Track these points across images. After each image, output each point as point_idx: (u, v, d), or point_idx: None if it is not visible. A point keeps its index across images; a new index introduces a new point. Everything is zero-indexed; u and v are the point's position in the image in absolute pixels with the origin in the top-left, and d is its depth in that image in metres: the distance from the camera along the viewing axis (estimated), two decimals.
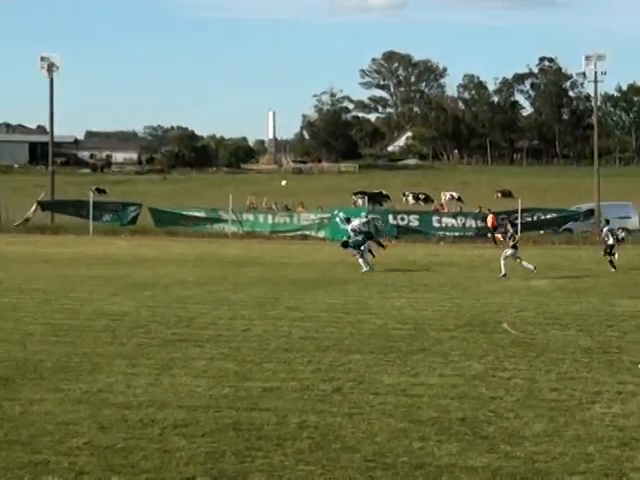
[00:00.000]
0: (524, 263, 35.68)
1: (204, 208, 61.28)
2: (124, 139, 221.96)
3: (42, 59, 64.37)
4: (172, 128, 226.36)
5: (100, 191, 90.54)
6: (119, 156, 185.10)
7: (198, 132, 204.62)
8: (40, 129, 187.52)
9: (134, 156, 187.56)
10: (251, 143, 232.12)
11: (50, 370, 18.13)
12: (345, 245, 38.37)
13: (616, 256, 37.76)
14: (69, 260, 39.16)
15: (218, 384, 17.25)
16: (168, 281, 33.24)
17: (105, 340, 21.50)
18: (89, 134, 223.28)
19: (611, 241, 38.00)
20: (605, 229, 38.87)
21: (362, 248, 37.43)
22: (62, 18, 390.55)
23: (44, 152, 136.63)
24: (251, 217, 60.04)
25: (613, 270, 37.06)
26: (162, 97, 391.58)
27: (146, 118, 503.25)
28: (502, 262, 35.15)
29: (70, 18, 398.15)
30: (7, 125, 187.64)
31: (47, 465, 12.42)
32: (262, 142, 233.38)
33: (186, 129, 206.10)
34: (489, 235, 54.72)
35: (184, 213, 59.71)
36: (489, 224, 55.67)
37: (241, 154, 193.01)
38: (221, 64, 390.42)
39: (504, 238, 37.44)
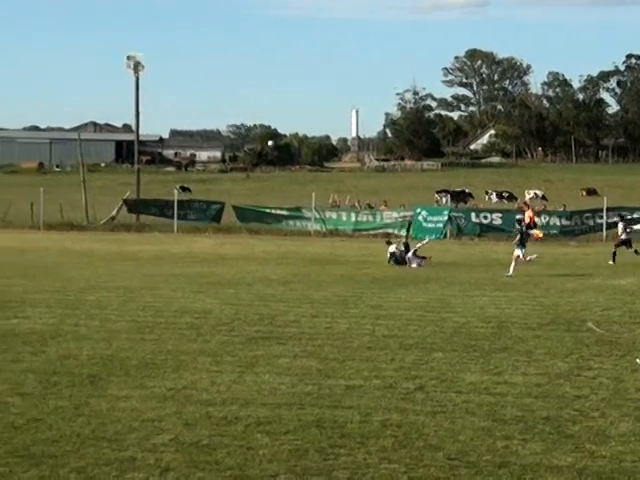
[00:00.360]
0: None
1: (287, 206, 61.49)
2: (208, 138, 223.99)
3: (128, 58, 64.96)
4: (255, 126, 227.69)
5: (185, 189, 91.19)
6: (203, 155, 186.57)
7: (281, 130, 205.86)
8: (126, 128, 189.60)
9: (218, 154, 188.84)
10: (334, 141, 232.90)
11: (135, 367, 18.34)
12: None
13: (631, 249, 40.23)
14: (154, 258, 39.57)
15: (301, 382, 17.30)
16: (251, 279, 33.43)
17: (189, 337, 21.70)
18: (174, 133, 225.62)
19: (624, 236, 40.91)
20: (620, 225, 41.95)
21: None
22: (148, 17, 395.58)
23: (130, 150, 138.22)
24: (334, 215, 60.07)
25: (611, 262, 39.10)
26: (246, 96, 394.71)
27: (230, 117, 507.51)
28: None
29: (156, 17, 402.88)
30: (94, 124, 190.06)
31: (133, 462, 12.55)
32: (345, 140, 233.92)
33: (269, 127, 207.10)
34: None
35: (267, 211, 59.95)
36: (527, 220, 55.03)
37: (324, 152, 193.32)
38: (304, 63, 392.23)
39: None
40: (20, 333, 21.67)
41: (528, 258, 35.76)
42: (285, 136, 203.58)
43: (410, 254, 38.56)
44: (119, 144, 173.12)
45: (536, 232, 44.68)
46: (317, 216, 58.25)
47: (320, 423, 14.55)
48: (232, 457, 12.84)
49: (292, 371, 18.22)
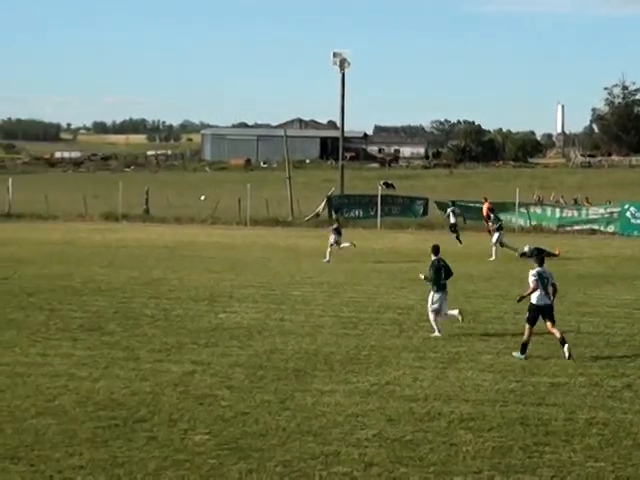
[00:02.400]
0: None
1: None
2: (412, 134, 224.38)
3: (334, 55, 65.47)
4: (459, 122, 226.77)
5: (388, 185, 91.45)
6: (406, 151, 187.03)
7: (485, 126, 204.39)
8: (331, 124, 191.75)
9: (421, 150, 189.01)
10: (538, 137, 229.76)
11: (339, 362, 18.59)
12: None
13: None
14: (356, 254, 39.86)
15: (504, 378, 17.20)
16: (453, 276, 33.23)
17: (392, 333, 21.85)
18: (378, 129, 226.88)
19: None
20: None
21: None
22: (354, 15, 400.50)
23: (334, 147, 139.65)
24: (538, 210, 59.27)
25: None
26: (449, 92, 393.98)
27: (433, 113, 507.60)
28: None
29: (361, 15, 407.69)
30: (300, 121, 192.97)
31: (337, 456, 12.74)
32: (549, 136, 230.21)
33: (473, 123, 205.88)
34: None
35: (470, 206, 59.49)
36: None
37: (528, 148, 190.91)
38: (508, 58, 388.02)
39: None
40: (228, 328, 22.31)
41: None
42: (489, 132, 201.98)
43: None
44: (324, 141, 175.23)
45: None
46: (522, 211, 57.52)
47: (524, 420, 14.46)
48: (435, 453, 12.90)
49: (495, 368, 18.13)
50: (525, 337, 19.04)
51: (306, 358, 18.96)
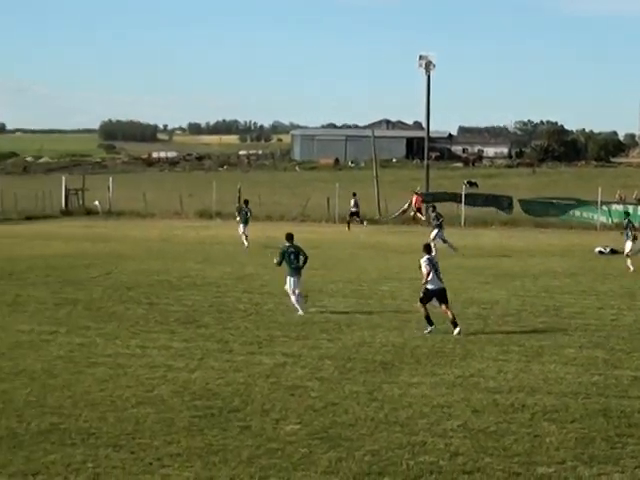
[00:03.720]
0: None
1: (573, 198, 60.52)
2: (495, 134, 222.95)
3: (420, 57, 65.89)
4: (542, 123, 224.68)
5: (472, 184, 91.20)
6: (490, 150, 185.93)
7: (567, 127, 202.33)
8: (416, 125, 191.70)
9: (504, 150, 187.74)
10: (621, 137, 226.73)
11: (425, 355, 18.99)
12: None
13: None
14: (441, 250, 40.08)
15: (587, 372, 17.43)
16: (536, 271, 33.45)
17: (477, 327, 22.18)
18: (462, 129, 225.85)
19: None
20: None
21: None
22: (440, 19, 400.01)
23: (420, 147, 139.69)
24: (620, 208, 58.64)
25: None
26: (532, 93, 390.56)
27: (516, 113, 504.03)
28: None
29: (447, 18, 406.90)
30: (387, 121, 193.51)
31: (424, 446, 13.11)
32: (632, 136, 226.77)
33: (555, 124, 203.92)
34: (412, 214, 58.28)
35: (554, 203, 59.23)
36: (413, 204, 58.75)
37: (610, 148, 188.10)
38: (591, 58, 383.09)
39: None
40: (318, 321, 22.83)
41: None
42: (572, 132, 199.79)
43: None
44: (410, 141, 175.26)
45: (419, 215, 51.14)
46: (603, 209, 57.05)
47: (606, 412, 14.70)
48: (519, 444, 13.21)
49: (578, 361, 18.36)
50: (423, 312, 21.39)
51: (393, 351, 19.40)
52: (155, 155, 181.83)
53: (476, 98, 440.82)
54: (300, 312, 23.57)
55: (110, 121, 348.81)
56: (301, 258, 24.05)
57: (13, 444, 12.99)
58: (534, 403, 15.29)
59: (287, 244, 23.98)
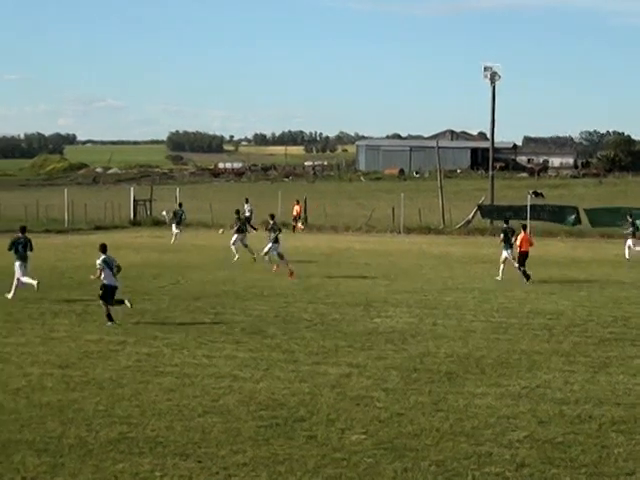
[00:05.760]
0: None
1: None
2: (560, 144, 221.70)
3: (485, 69, 66.12)
4: (608, 133, 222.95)
5: (537, 194, 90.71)
6: (555, 161, 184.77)
7: (635, 137, 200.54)
8: (481, 135, 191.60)
9: (570, 161, 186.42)
10: None
11: (490, 366, 18.93)
12: None
13: None
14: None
15: None
16: (603, 282, 33.18)
17: (542, 338, 22.06)
18: (527, 140, 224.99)
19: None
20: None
21: None
22: (503, 30, 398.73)
23: (484, 157, 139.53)
24: None
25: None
26: (598, 103, 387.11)
27: (582, 124, 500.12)
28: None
29: (511, 29, 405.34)
30: (451, 132, 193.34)
31: (490, 456, 13.08)
32: None
33: (622, 134, 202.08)
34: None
35: (621, 211, 58.60)
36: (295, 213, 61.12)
37: None
38: None
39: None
40: (383, 332, 22.86)
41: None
42: (639, 142, 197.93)
43: None
44: (474, 151, 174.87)
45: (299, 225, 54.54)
46: None
47: None
48: (587, 455, 13.12)
49: None
50: (105, 309, 23.69)
51: (458, 361, 19.37)
52: (221, 166, 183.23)
53: (541, 108, 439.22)
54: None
55: (178, 132, 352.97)
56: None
57: (82, 453, 13.17)
58: (601, 414, 15.19)
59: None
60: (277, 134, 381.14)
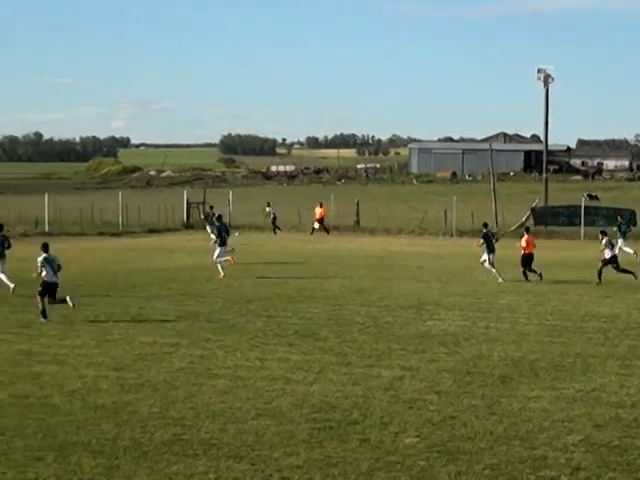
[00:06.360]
0: None
1: None
2: (615, 147, 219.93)
3: (538, 71, 65.88)
4: None
5: (592, 197, 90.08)
6: (610, 163, 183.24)
7: None
8: (534, 138, 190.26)
9: (625, 163, 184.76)
10: None
11: (545, 369, 18.81)
12: None
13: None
14: (558, 264, 39.80)
15: None
16: (635, 285, 32.86)
17: (597, 341, 21.89)
18: (581, 142, 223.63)
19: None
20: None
21: None
22: (557, 32, 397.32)
23: (538, 160, 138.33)
24: None
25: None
26: None
27: (637, 126, 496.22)
28: None
29: (564, 31, 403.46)
30: (504, 135, 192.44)
31: (544, 460, 12.98)
32: None
33: None
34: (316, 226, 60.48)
35: None
36: (317, 216, 60.77)
37: None
38: None
39: None
40: (435, 334, 22.80)
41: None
42: None
43: None
44: (527, 154, 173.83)
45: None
46: None
47: None
48: None
49: None
50: (40, 306, 24.61)
51: (512, 365, 19.26)
52: (274, 169, 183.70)
53: (595, 111, 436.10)
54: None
55: (230, 135, 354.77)
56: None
57: (137, 454, 13.27)
58: None
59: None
60: (329, 137, 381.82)
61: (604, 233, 35.00)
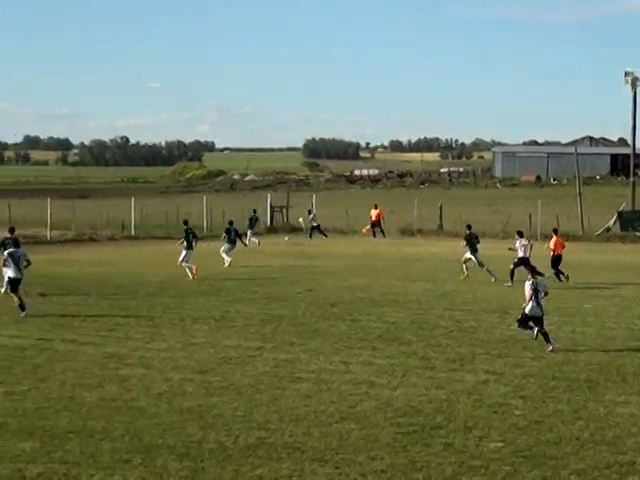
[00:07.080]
0: None
1: None
2: None
3: (626, 74, 65.18)
4: None
5: None
6: None
7: None
8: (621, 141, 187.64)
9: None
10: None
11: (632, 374, 18.58)
12: None
13: None
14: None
15: None
16: None
17: None
18: None
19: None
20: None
21: None
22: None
23: (624, 163, 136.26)
24: None
25: None
26: None
27: None
28: None
29: None
30: (590, 138, 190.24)
31: (632, 465, 12.86)
32: None
33: None
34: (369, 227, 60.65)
35: None
36: (373, 218, 60.76)
37: None
38: None
39: None
40: (521, 339, 22.57)
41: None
42: None
43: None
44: (614, 157, 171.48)
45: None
46: None
47: None
48: None
49: None
50: (16, 300, 25.40)
51: (598, 369, 19.06)
52: (357, 172, 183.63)
53: None
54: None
55: (314, 139, 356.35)
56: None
57: (222, 458, 13.37)
58: None
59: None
60: (413, 141, 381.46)
61: None
